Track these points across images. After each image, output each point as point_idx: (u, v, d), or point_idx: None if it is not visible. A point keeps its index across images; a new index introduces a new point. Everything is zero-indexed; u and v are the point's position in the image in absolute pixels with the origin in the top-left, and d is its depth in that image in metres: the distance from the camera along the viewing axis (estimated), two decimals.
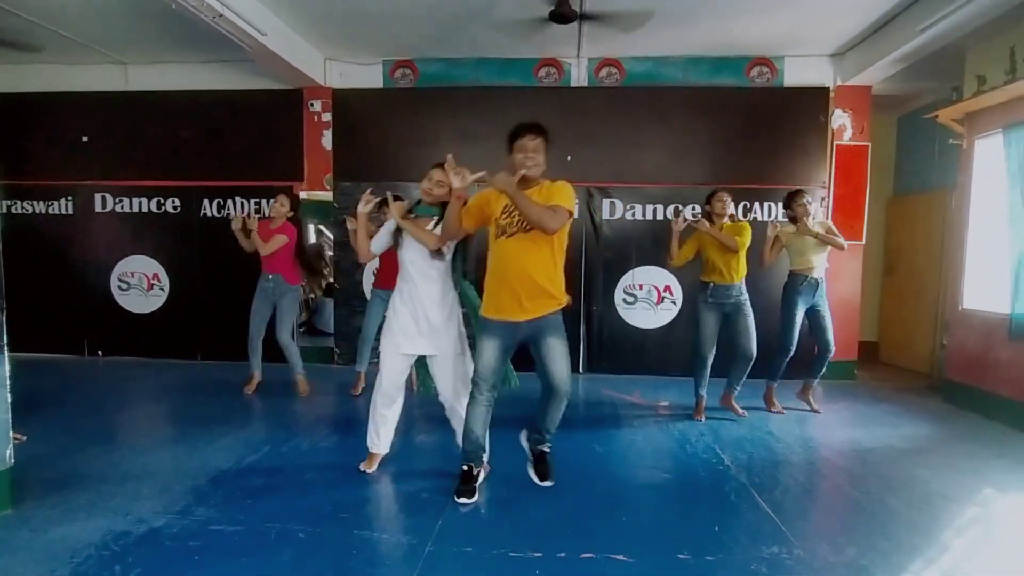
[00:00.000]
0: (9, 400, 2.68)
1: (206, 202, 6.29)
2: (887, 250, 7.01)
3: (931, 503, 2.97)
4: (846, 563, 2.35)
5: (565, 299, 2.85)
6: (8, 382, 2.68)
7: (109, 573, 2.20)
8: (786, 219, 4.65)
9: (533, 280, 2.71)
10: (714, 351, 4.31)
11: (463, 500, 2.83)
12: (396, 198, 3.21)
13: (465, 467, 2.94)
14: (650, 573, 2.27)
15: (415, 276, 3.02)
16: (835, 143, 5.81)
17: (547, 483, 3.00)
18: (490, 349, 2.80)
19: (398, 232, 3.07)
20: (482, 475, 3.04)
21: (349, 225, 3.95)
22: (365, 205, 3.07)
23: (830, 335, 4.44)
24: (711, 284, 4.23)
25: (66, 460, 3.33)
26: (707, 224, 4.14)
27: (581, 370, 5.98)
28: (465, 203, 2.85)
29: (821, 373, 4.60)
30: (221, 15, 4.29)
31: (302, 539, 2.49)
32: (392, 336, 3.06)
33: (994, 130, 4.55)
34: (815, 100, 5.78)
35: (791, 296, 4.45)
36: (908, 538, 2.59)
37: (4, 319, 2.64)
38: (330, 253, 7.56)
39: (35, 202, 6.44)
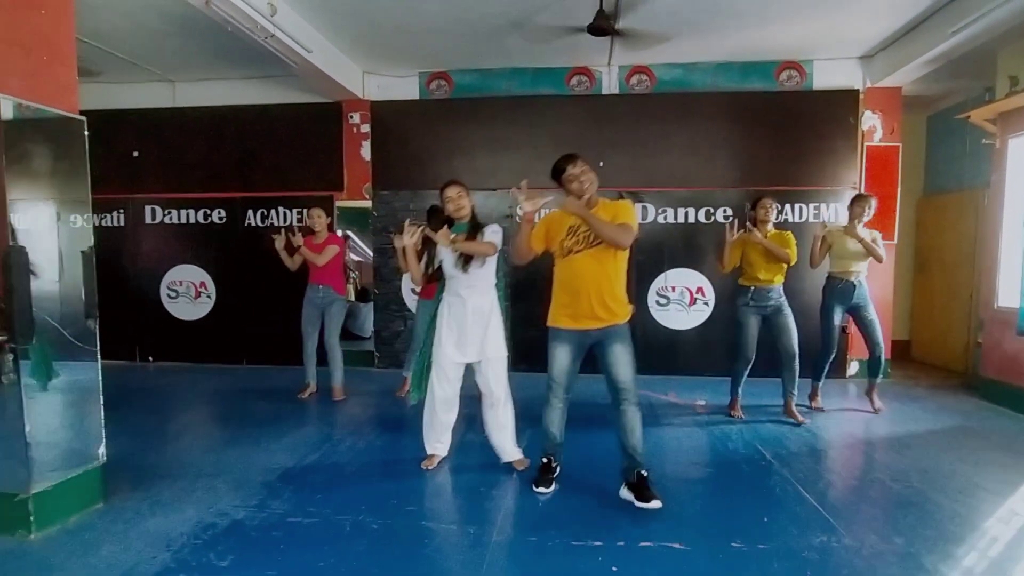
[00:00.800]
0: (102, 402, 2.90)
1: (250, 212, 6.55)
2: (917, 249, 7.02)
3: (972, 495, 3.06)
4: (894, 551, 2.46)
5: (629, 308, 3.01)
6: (101, 386, 2.89)
7: (206, 559, 2.40)
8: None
9: (601, 292, 2.88)
10: (755, 353, 4.40)
11: (541, 489, 3.06)
12: (431, 220, 3.54)
13: (544, 459, 3.15)
14: (706, 560, 2.40)
15: (460, 288, 3.24)
16: (865, 144, 5.87)
17: (655, 503, 2.82)
18: (563, 355, 2.99)
19: (430, 246, 3.34)
20: (558, 469, 3.20)
21: (396, 243, 4.00)
22: (411, 237, 3.26)
23: (878, 335, 4.51)
24: (752, 288, 4.32)
25: (142, 458, 3.55)
26: (759, 235, 4.22)
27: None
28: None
29: (880, 372, 4.66)
30: (273, 35, 4.51)
31: (375, 530, 2.66)
32: (443, 347, 3.26)
33: None
34: (845, 102, 5.85)
35: (827, 299, 4.55)
36: (952, 528, 2.69)
37: (97, 328, 2.86)
38: (357, 258, 7.80)
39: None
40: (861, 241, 4.35)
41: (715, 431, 4.18)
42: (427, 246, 3.39)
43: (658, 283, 6.05)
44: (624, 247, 2.85)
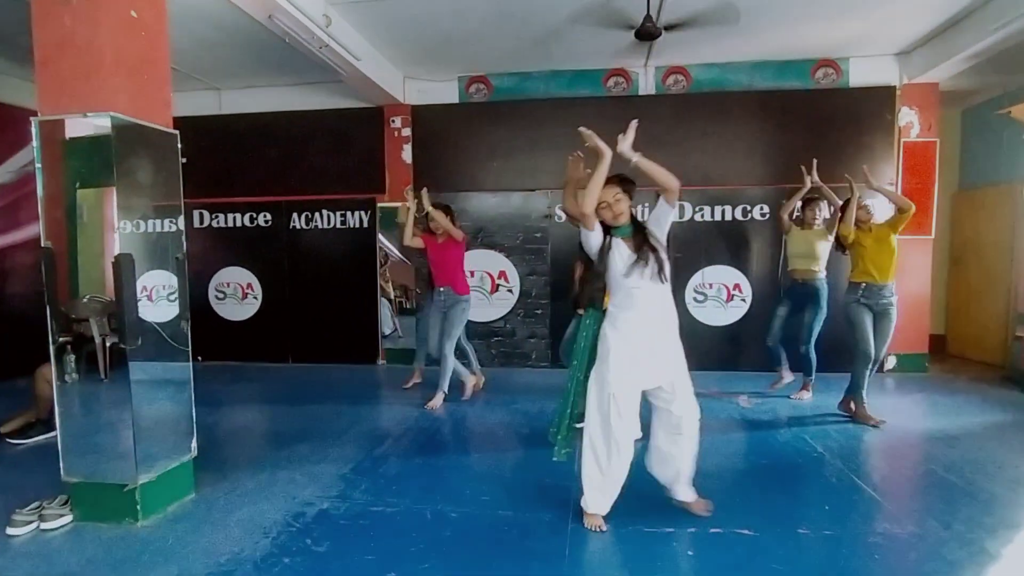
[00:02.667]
0: (192, 398, 3.09)
1: (295, 215, 6.75)
2: (952, 243, 7.05)
3: None
4: (956, 537, 2.57)
5: None
6: (192, 383, 3.08)
7: (303, 545, 2.57)
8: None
9: None
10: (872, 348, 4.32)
11: None
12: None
13: None
14: (776, 545, 2.52)
15: (641, 302, 2.68)
16: (902, 140, 5.92)
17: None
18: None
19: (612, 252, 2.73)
20: None
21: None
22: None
23: (808, 336, 4.74)
24: (864, 283, 4.31)
25: (221, 453, 3.74)
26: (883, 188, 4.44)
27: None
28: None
29: (811, 372, 4.89)
30: (327, 45, 4.68)
31: (455, 518, 2.82)
32: (624, 374, 2.63)
33: None
34: (881, 99, 5.90)
35: (781, 295, 4.94)
36: (1010, 516, 2.79)
37: (189, 330, 3.04)
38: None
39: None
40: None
41: (762, 425, 4.29)
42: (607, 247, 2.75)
43: (695, 280, 6.15)
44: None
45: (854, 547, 2.49)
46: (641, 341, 2.65)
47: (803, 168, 4.91)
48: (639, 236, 2.71)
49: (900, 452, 3.79)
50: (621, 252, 2.69)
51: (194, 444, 3.10)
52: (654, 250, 2.66)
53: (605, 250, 2.72)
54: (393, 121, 6.48)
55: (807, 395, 4.86)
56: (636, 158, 2.63)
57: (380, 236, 6.62)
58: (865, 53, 5.84)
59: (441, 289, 4.84)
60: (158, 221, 3.00)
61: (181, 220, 3.05)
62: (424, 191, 4.81)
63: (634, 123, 2.69)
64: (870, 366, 4.28)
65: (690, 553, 2.45)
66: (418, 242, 4.86)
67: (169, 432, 2.99)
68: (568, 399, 2.97)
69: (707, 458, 3.49)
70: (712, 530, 2.65)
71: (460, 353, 5.07)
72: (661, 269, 2.65)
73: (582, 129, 2.73)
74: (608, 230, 2.75)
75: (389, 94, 6.09)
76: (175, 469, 2.97)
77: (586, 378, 2.80)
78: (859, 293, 4.33)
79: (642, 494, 3.04)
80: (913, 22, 5.12)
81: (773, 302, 5.13)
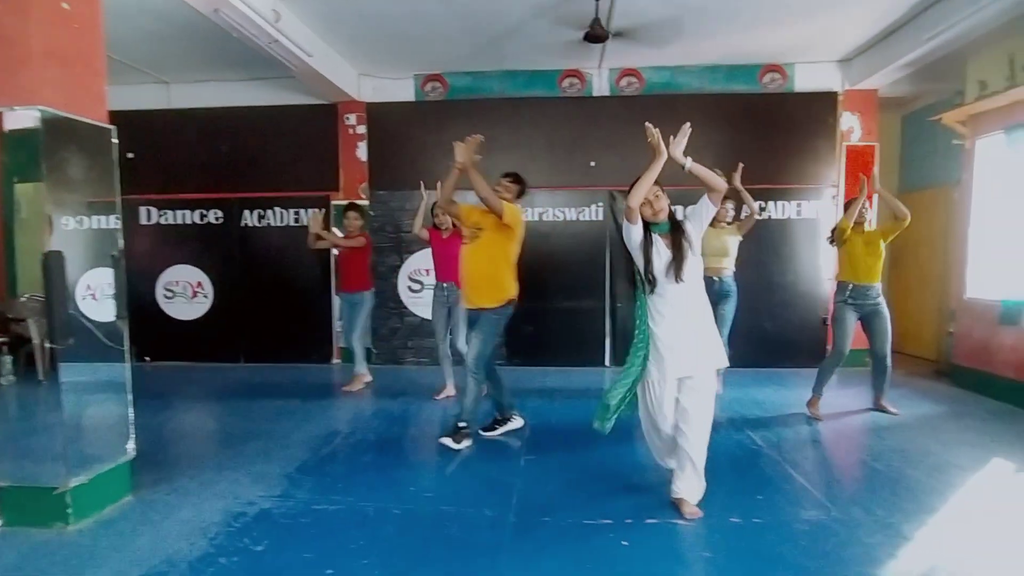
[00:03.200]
0: (130, 398, 3.03)
1: (247, 213, 6.64)
2: (892, 244, 7.29)
3: (946, 472, 3.32)
4: (877, 521, 2.70)
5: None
6: (129, 384, 3.02)
7: (241, 545, 2.55)
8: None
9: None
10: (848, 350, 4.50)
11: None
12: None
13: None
14: (708, 534, 2.62)
15: (673, 296, 2.79)
16: (844, 144, 6.15)
17: (458, 445, 3.68)
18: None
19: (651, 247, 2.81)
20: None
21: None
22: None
23: (723, 330, 4.70)
24: (851, 284, 4.43)
25: (163, 454, 3.67)
26: (876, 186, 4.45)
27: (607, 363, 6.33)
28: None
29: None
30: (276, 40, 4.63)
31: (397, 515, 2.84)
32: (659, 362, 2.78)
33: (995, 131, 4.89)
34: (824, 104, 6.12)
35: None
36: (928, 501, 2.94)
37: (127, 329, 2.98)
38: None
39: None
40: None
41: None
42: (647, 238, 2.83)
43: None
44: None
45: (780, 533, 2.60)
46: (675, 332, 2.77)
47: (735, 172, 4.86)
48: (676, 234, 2.82)
49: (834, 443, 3.95)
50: (659, 250, 2.80)
51: (131, 445, 3.04)
52: (689, 251, 2.79)
53: (647, 245, 2.80)
54: (348, 118, 6.43)
55: (719, 389, 4.95)
56: (688, 163, 2.81)
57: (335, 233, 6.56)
58: (809, 59, 6.05)
59: (444, 284, 4.88)
60: (101, 218, 2.93)
61: (116, 217, 2.97)
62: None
63: (687, 127, 2.83)
64: (882, 366, 4.46)
65: (624, 543, 2.52)
66: (424, 234, 4.91)
67: (104, 433, 2.93)
68: (628, 379, 2.88)
69: (650, 452, 3.60)
70: (648, 521, 2.73)
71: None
72: (679, 270, 2.74)
73: (648, 125, 2.84)
74: (647, 227, 2.83)
75: (343, 91, 6.04)
76: (111, 471, 2.91)
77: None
78: (847, 293, 4.44)
79: (585, 488, 3.13)
80: (852, 31, 5.33)
81: None
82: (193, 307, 6.80)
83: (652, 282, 2.78)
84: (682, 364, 2.76)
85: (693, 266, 2.80)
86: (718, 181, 2.80)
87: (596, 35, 4.43)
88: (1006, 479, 3.27)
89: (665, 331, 2.78)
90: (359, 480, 3.28)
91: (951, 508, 2.88)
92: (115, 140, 2.95)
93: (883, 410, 4.53)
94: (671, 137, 2.80)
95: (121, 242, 2.98)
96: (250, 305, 6.69)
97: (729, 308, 4.85)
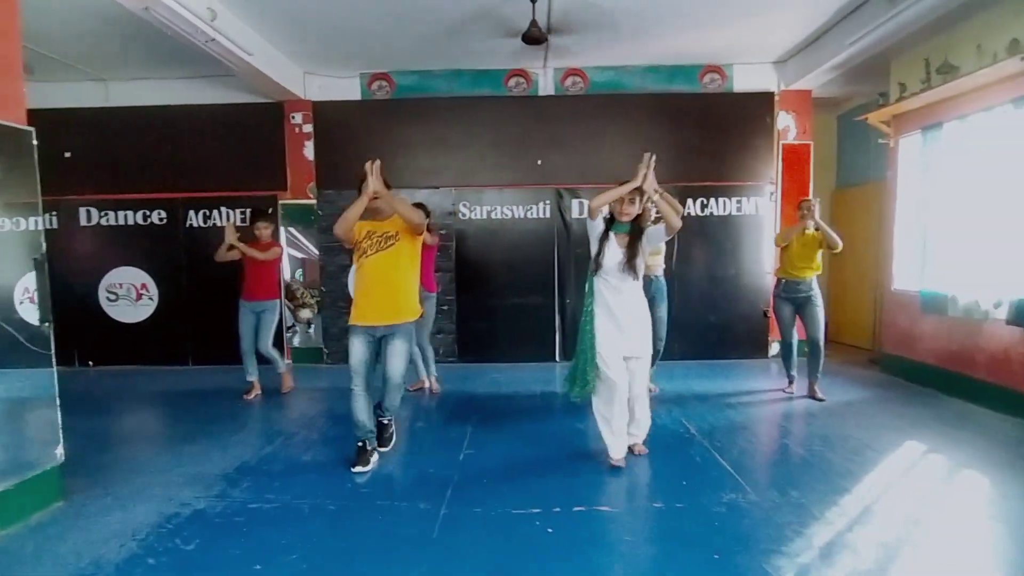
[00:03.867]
0: (58, 403, 2.99)
1: (192, 213, 6.53)
2: None
3: (861, 455, 3.51)
4: (790, 503, 2.86)
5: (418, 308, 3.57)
6: (57, 388, 2.99)
7: (172, 545, 2.56)
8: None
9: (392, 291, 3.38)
10: (796, 338, 4.87)
11: (358, 469, 3.36)
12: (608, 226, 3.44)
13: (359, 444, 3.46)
14: (630, 519, 2.75)
15: (623, 287, 3.30)
16: (781, 143, 6.39)
17: (383, 448, 3.63)
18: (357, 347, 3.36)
19: (606, 241, 3.34)
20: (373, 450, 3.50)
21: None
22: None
23: (662, 330, 4.86)
24: (784, 280, 4.77)
25: (99, 459, 3.63)
26: (817, 219, 4.55)
27: (557, 358, 6.44)
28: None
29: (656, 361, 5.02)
30: (213, 39, 4.58)
31: (332, 510, 2.88)
32: (609, 342, 3.28)
33: (914, 131, 5.16)
34: (762, 103, 6.34)
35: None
36: (840, 482, 3.12)
37: (52, 333, 2.95)
38: (302, 256, 7.81)
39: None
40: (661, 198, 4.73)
41: None
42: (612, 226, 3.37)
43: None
44: (416, 225, 3.35)
45: (698, 517, 2.73)
46: (617, 317, 3.29)
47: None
48: (633, 238, 3.31)
49: (763, 430, 4.13)
50: (613, 248, 3.30)
51: (60, 451, 3.00)
52: (636, 256, 3.28)
53: (603, 239, 3.33)
54: (294, 117, 6.39)
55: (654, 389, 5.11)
56: (656, 197, 3.28)
57: (284, 233, 6.52)
58: (747, 60, 6.25)
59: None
60: (36, 219, 2.89)
61: (37, 219, 2.93)
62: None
63: (649, 158, 3.26)
64: (795, 351, 4.86)
65: (550, 531, 2.62)
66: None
67: (30, 439, 2.89)
68: (585, 355, 3.35)
69: (589, 444, 3.72)
70: (576, 508, 2.83)
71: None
72: (633, 269, 3.28)
73: (648, 156, 3.29)
74: (611, 224, 3.37)
75: (288, 90, 6.00)
76: (38, 476, 2.88)
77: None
78: (781, 288, 4.80)
79: (520, 480, 3.22)
80: (785, 34, 5.54)
81: None
82: (138, 309, 6.67)
83: (598, 267, 3.32)
84: (625, 344, 3.29)
85: (638, 266, 3.31)
86: (677, 221, 3.27)
87: (534, 37, 4.51)
88: (915, 459, 3.47)
89: (609, 315, 3.31)
90: (298, 479, 3.30)
91: (861, 488, 3.06)
92: (36, 142, 2.87)
93: (814, 397, 4.76)
94: (648, 157, 3.28)
95: (44, 245, 2.93)
96: (197, 307, 6.59)
97: (663, 309, 4.88)
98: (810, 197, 5.33)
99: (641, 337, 3.37)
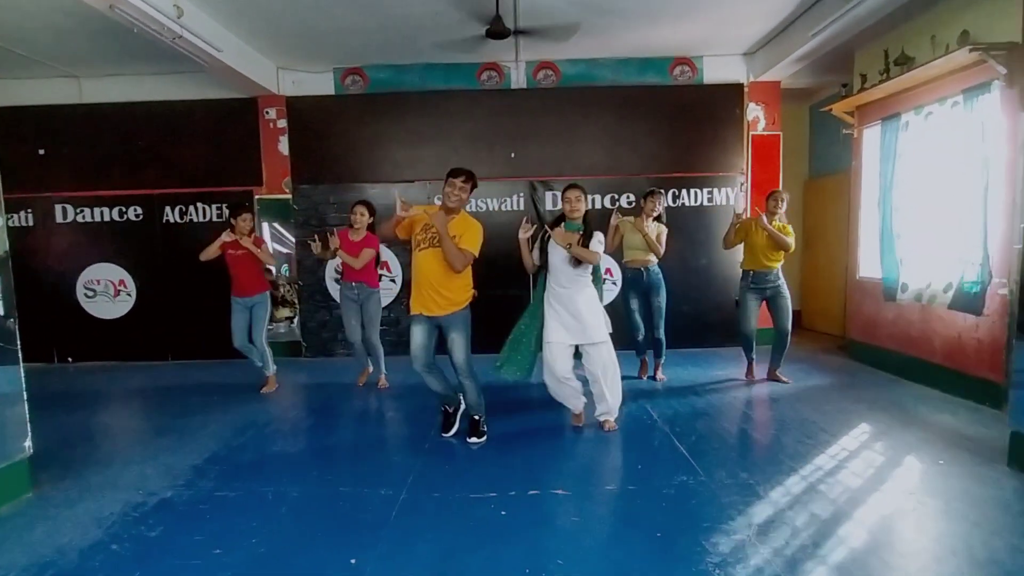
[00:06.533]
0: (26, 397, 3.05)
1: (168, 209, 6.56)
2: (804, 227, 7.77)
3: (815, 438, 3.63)
4: (738, 484, 2.97)
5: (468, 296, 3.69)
6: (24, 383, 3.05)
7: (136, 532, 2.64)
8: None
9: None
10: (755, 328, 4.98)
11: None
12: (555, 224, 3.78)
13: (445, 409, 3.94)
14: (583, 502, 2.84)
15: (566, 282, 3.66)
16: (751, 134, 6.48)
17: (478, 440, 3.73)
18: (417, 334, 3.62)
19: (545, 245, 3.74)
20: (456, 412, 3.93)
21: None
22: (525, 232, 3.70)
23: (659, 321, 5.05)
24: (752, 272, 4.86)
25: (71, 452, 3.69)
26: (766, 221, 4.69)
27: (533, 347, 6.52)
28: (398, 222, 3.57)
29: (662, 353, 5.21)
30: (180, 36, 4.61)
31: (295, 497, 2.97)
32: (553, 331, 3.71)
33: (875, 122, 5.26)
34: (731, 95, 6.43)
35: (623, 287, 5.29)
36: (790, 464, 3.23)
37: (17, 329, 3.00)
38: (285, 251, 7.85)
39: None
40: (646, 237, 4.84)
41: None
42: (538, 239, 3.83)
43: None
44: (457, 271, 3.44)
45: (648, 498, 2.84)
46: (566, 308, 3.66)
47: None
48: (582, 236, 3.57)
49: (724, 415, 4.24)
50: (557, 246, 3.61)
51: (28, 443, 3.07)
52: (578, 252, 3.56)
53: (547, 238, 3.68)
54: (268, 112, 6.43)
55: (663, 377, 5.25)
56: (570, 251, 3.55)
57: (267, 228, 6.58)
58: (716, 53, 6.34)
59: (354, 284, 4.95)
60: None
61: (1, 217, 2.97)
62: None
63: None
64: (782, 342, 4.93)
65: (503, 513, 2.71)
66: (335, 240, 4.85)
67: None
68: (527, 336, 3.86)
69: (551, 428, 3.82)
70: (531, 492, 2.93)
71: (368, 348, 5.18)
72: (578, 264, 3.60)
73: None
74: (561, 220, 3.72)
75: (261, 85, 6.03)
76: (6, 469, 2.94)
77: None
78: (748, 280, 4.89)
79: (481, 465, 3.31)
80: (752, 26, 5.62)
81: (622, 299, 5.31)
82: (116, 306, 6.70)
83: (543, 257, 3.73)
84: (570, 335, 3.67)
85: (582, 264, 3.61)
86: (593, 259, 3.60)
87: (498, 31, 4.57)
88: (864, 440, 3.59)
89: (554, 308, 3.70)
90: (266, 468, 3.39)
91: (807, 469, 3.17)
92: None
93: (776, 379, 4.90)
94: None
95: (7, 242, 2.98)
96: (176, 302, 6.64)
97: (661, 299, 5.01)
98: (780, 189, 5.42)
99: (590, 328, 3.67)
